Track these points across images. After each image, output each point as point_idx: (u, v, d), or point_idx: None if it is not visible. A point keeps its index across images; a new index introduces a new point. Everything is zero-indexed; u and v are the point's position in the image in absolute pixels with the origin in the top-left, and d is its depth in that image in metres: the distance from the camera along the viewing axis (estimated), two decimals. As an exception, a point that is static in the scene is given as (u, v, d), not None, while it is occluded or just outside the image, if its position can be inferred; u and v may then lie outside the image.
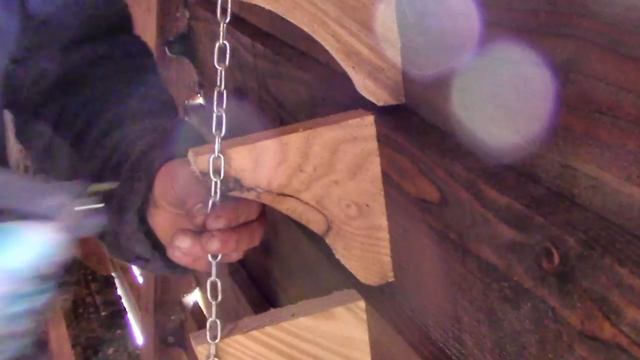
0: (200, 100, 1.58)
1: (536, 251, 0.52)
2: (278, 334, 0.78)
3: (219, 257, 0.75)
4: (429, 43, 0.65)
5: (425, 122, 0.68)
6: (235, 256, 0.79)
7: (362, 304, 0.80)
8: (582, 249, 0.48)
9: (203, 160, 0.69)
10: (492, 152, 0.59)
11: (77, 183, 0.82)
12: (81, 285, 3.47)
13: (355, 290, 0.80)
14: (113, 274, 3.42)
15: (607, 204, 0.49)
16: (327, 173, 0.72)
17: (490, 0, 0.56)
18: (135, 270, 2.90)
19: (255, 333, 0.77)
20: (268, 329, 0.78)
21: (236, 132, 0.72)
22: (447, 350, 0.68)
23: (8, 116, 1.04)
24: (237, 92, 1.16)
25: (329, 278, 0.88)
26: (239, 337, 0.77)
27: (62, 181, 0.85)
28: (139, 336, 1.88)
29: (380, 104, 0.72)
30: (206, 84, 1.53)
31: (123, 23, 1.07)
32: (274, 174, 0.71)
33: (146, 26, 1.59)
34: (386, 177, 0.73)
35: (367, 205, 0.74)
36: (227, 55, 0.70)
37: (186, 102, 1.57)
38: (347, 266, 0.76)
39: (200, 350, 0.76)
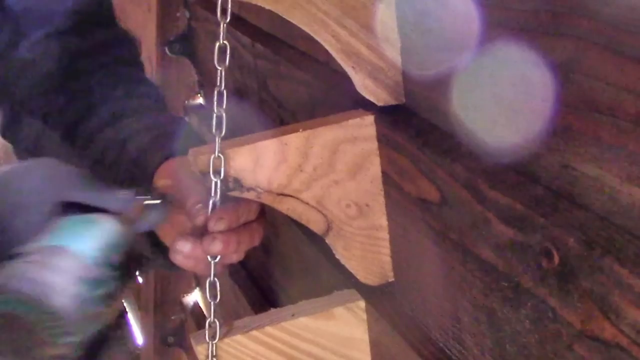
0: (200, 100, 1.58)
1: (536, 251, 0.52)
2: (278, 334, 0.78)
3: (218, 258, 0.75)
4: (429, 43, 0.65)
5: (425, 122, 0.68)
6: (235, 257, 0.79)
7: (362, 304, 0.80)
8: (582, 249, 0.48)
9: (203, 161, 0.69)
10: (492, 152, 0.59)
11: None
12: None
13: (355, 290, 0.80)
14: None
15: (607, 204, 0.49)
16: (327, 173, 0.72)
17: (490, 0, 0.56)
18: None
19: (255, 333, 0.77)
20: (268, 329, 0.78)
21: (236, 132, 0.72)
22: (447, 350, 0.68)
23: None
24: (237, 92, 1.16)
25: (329, 278, 0.88)
26: (238, 337, 0.77)
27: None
28: (138, 336, 1.87)
29: (380, 104, 0.72)
30: (206, 84, 1.53)
31: (106, 15, 1.06)
32: (274, 174, 0.71)
33: (146, 26, 1.59)
34: (386, 177, 0.73)
35: (367, 205, 0.74)
36: (227, 55, 0.70)
37: (186, 102, 1.57)
38: (347, 266, 0.76)
39: (199, 350, 0.76)
